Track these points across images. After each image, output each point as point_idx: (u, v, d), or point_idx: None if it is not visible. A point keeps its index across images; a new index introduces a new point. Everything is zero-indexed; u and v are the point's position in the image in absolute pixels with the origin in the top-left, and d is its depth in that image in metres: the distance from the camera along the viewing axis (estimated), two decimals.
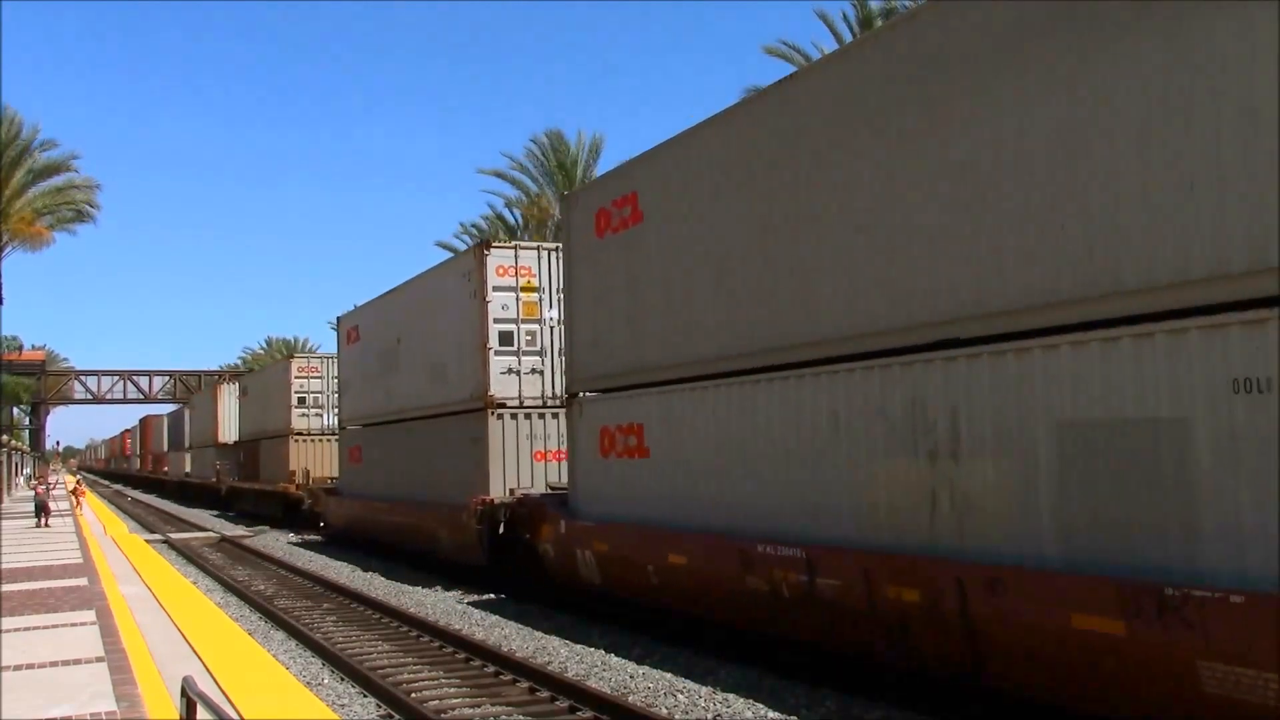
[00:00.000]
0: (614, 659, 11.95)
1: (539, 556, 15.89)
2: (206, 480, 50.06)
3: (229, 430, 46.91)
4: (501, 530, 17.28)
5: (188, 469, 59.22)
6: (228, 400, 47.71)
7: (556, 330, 19.05)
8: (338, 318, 28.87)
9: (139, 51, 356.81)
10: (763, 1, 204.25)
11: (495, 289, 19.14)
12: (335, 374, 31.76)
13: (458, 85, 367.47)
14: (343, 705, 10.44)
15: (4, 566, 18.23)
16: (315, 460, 33.94)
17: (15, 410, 75.85)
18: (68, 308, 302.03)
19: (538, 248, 19.77)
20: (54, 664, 9.61)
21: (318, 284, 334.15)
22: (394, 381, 23.55)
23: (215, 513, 45.20)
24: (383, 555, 23.74)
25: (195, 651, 10.17)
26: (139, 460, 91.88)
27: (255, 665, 9.64)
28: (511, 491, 17.93)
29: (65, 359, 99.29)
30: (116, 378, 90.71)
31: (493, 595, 17.61)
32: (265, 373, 42.52)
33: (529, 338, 19.29)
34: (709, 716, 9.41)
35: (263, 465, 38.49)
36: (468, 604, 16.77)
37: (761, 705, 9.71)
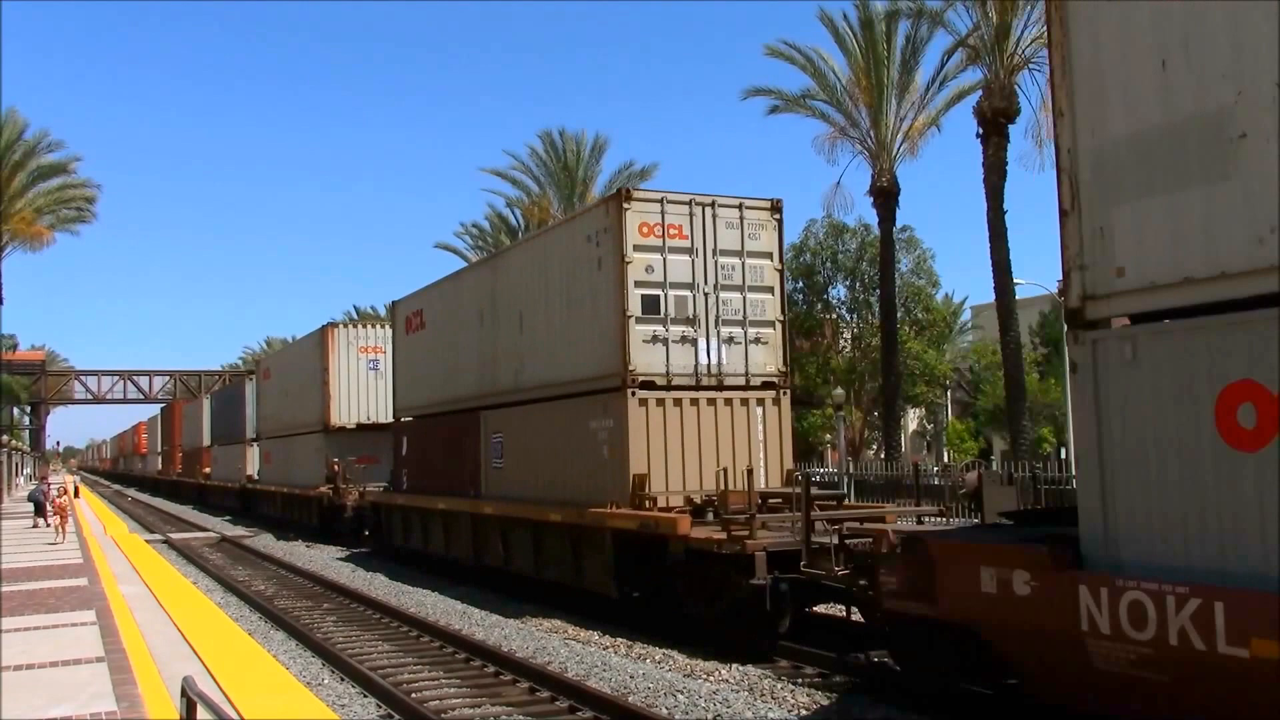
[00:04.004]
0: (614, 659, 11.96)
1: None
2: (300, 490, 31.73)
3: (353, 405, 30.41)
4: None
5: (251, 471, 40.30)
6: (345, 356, 30.55)
7: None
8: None
9: (139, 51, 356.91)
10: (766, 1, 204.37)
11: None
12: (719, 245, 15.07)
13: (459, 85, 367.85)
14: (343, 705, 10.44)
15: (4, 566, 18.23)
16: (687, 448, 14.78)
17: (15, 410, 75.85)
18: (68, 308, 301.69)
19: None
20: (54, 664, 9.63)
21: (318, 284, 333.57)
22: None
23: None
24: None
25: (195, 651, 10.17)
26: (160, 459, 70.88)
27: (255, 665, 9.64)
28: None
29: (65, 359, 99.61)
30: (116, 378, 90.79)
31: (493, 594, 17.55)
32: (521, 254, 18.95)
33: None
34: (709, 716, 9.41)
35: (502, 460, 18.35)
36: (468, 604, 16.76)
37: (761, 705, 9.71)
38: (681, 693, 10.14)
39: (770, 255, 15.30)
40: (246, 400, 41.54)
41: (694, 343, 14.87)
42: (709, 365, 14.91)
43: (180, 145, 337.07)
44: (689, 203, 14.88)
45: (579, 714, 9.71)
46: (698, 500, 14.10)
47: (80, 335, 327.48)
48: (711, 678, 10.96)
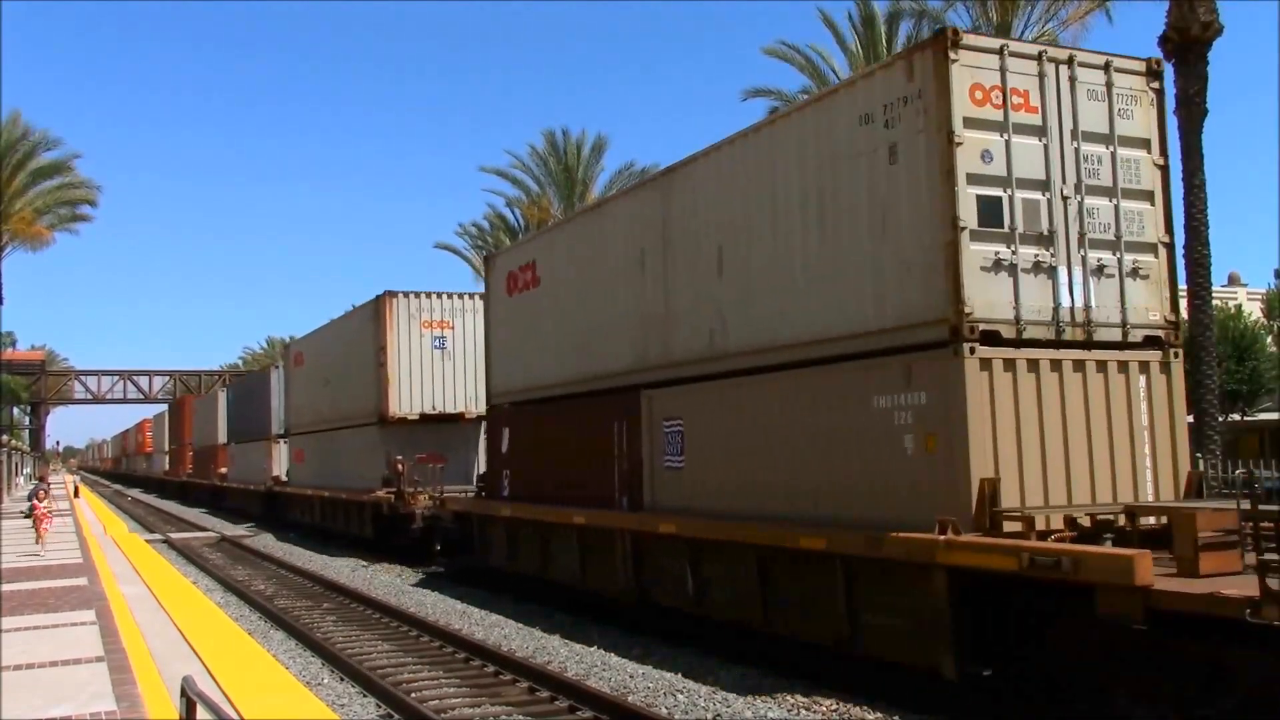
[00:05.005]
0: (614, 659, 11.95)
1: None
2: (347, 494, 26.40)
3: (415, 392, 24.76)
4: None
5: (278, 471, 35.36)
6: (406, 332, 24.85)
7: None
8: None
9: (139, 51, 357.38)
10: (766, 1, 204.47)
11: None
12: (1080, 125, 9.97)
13: (458, 86, 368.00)
14: (342, 705, 10.44)
15: (4, 566, 18.23)
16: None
17: (15, 410, 75.93)
18: (68, 308, 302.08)
19: None
20: (54, 664, 9.62)
21: (318, 284, 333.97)
22: None
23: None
24: None
25: (195, 651, 10.17)
26: (168, 458, 65.61)
27: (255, 665, 9.64)
28: None
29: (65, 359, 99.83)
30: (116, 378, 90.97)
31: (495, 595, 17.55)
32: (717, 163, 12.55)
33: None
34: (709, 716, 9.40)
35: (681, 457, 13.03)
36: (468, 604, 16.76)
37: (761, 705, 9.71)
38: (681, 693, 10.14)
39: (1148, 144, 10.28)
40: (272, 391, 36.16)
41: (1051, 272, 9.66)
42: (1073, 308, 9.72)
43: (180, 145, 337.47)
44: (1038, 57, 9.84)
45: (579, 714, 9.70)
46: (1085, 522, 9.01)
47: (80, 335, 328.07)
48: (711, 678, 10.96)
